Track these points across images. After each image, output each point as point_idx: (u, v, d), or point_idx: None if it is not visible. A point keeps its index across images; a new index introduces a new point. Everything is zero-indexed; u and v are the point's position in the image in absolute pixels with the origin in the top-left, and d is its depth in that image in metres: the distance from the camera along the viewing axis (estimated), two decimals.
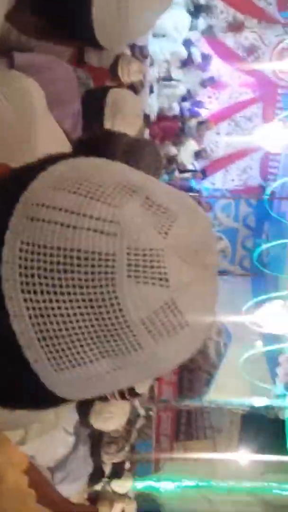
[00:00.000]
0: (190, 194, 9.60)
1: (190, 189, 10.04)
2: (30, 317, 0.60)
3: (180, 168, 9.95)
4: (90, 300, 0.60)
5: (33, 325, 0.60)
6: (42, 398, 0.66)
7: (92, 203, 0.61)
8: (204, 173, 10.56)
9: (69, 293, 0.60)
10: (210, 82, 10.44)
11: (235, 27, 10.62)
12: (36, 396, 0.66)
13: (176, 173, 9.87)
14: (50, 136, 1.53)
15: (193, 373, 9.34)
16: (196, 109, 10.16)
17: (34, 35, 1.29)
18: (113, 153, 1.75)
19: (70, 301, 0.60)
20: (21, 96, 1.43)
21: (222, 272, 10.56)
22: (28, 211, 0.61)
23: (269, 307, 8.83)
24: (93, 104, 2.48)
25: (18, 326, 0.61)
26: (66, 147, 1.68)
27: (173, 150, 9.46)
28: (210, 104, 10.71)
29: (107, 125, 2.53)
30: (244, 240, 11.14)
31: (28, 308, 0.60)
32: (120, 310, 0.60)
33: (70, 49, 2.33)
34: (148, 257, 0.60)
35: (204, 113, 10.43)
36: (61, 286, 0.60)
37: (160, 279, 0.60)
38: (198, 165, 10.52)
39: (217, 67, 10.58)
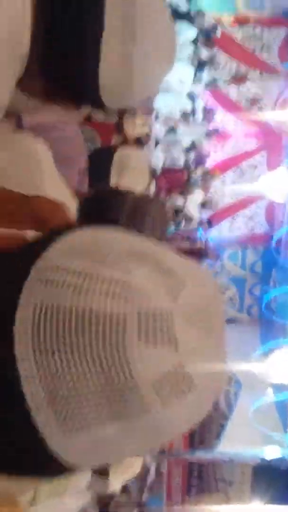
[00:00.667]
0: (197, 243, 9.65)
1: (197, 239, 10.07)
2: (40, 378, 0.61)
3: (186, 218, 10.01)
4: (101, 361, 0.60)
5: (43, 387, 0.61)
6: (48, 465, 0.66)
7: (103, 267, 0.62)
8: (210, 223, 10.60)
9: (79, 354, 0.60)
10: (215, 133, 10.60)
11: (238, 79, 10.83)
12: (42, 462, 0.65)
13: (183, 224, 9.91)
14: (57, 195, 1.57)
15: (204, 425, 9.20)
16: (201, 160, 10.26)
17: (41, 99, 1.33)
18: (120, 211, 1.78)
19: (81, 362, 0.60)
20: (29, 157, 1.47)
21: (230, 320, 10.50)
22: (41, 275, 0.63)
23: (278, 354, 8.75)
24: (100, 162, 2.52)
25: (28, 387, 0.61)
26: (73, 207, 1.71)
27: (179, 201, 9.54)
28: (215, 154, 10.84)
29: (113, 182, 2.57)
30: (252, 288, 11.10)
31: (39, 369, 0.61)
32: (130, 372, 0.60)
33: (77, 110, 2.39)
34: (158, 320, 0.61)
35: (209, 163, 10.54)
36: (72, 347, 0.60)
37: (170, 342, 0.61)
38: (204, 214, 10.58)
39: (221, 118, 10.75)
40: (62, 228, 0.70)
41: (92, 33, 1.13)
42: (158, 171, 8.32)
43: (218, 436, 9.48)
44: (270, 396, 9.56)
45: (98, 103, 1.24)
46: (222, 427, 9.54)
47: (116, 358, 0.60)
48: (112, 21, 1.13)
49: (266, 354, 8.95)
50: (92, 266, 0.63)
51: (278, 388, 9.29)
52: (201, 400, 0.65)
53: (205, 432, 9.33)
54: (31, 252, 0.66)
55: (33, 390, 0.61)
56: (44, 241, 0.67)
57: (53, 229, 0.71)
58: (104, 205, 1.81)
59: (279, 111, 10.51)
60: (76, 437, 0.62)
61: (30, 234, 0.77)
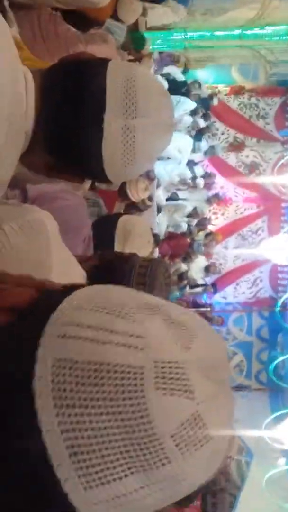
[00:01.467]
0: (202, 309, 9.62)
1: (202, 304, 10.05)
2: (61, 432, 0.60)
3: (191, 283, 10.02)
4: (120, 412, 0.60)
5: (64, 440, 0.60)
6: None
7: (117, 320, 0.64)
8: (215, 287, 10.61)
9: (99, 406, 0.60)
10: (216, 199, 10.74)
11: (236, 146, 11.06)
12: None
13: (187, 289, 9.92)
14: (64, 266, 1.56)
15: (217, 496, 8.95)
16: (203, 225, 10.36)
17: (45, 174, 1.35)
18: (128, 275, 1.78)
19: (101, 414, 0.60)
20: (36, 228, 1.47)
21: (239, 387, 10.35)
22: (57, 330, 0.64)
23: None
24: (104, 229, 2.54)
25: (50, 441, 0.60)
26: (80, 275, 1.70)
27: (183, 266, 9.58)
28: (217, 219, 10.95)
29: (118, 249, 2.58)
30: (259, 353, 11.00)
31: (60, 423, 0.60)
32: (149, 422, 0.60)
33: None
34: (174, 370, 0.62)
35: (211, 229, 10.64)
36: (91, 399, 0.60)
37: (186, 391, 0.61)
38: (208, 279, 10.60)
39: (221, 184, 10.92)
40: (75, 284, 0.71)
41: (94, 114, 1.18)
42: (161, 237, 8.39)
43: (231, 507, 9.19)
44: (282, 465, 9.32)
45: (102, 179, 1.28)
46: (235, 498, 9.27)
47: (135, 409, 0.60)
48: (112, 101, 1.18)
49: (277, 421, 8.77)
50: (107, 319, 0.64)
51: None
52: (217, 450, 0.65)
53: (218, 503, 9.05)
54: (45, 307, 0.67)
55: (54, 444, 0.61)
56: (58, 296, 0.68)
57: (66, 285, 0.72)
58: (112, 271, 1.81)
59: (278, 176, 10.67)
60: (97, 492, 0.61)
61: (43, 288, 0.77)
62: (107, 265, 1.85)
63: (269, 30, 8.15)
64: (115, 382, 0.61)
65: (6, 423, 0.63)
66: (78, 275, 1.69)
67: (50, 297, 0.71)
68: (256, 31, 8.15)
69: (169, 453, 0.61)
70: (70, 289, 0.70)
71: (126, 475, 0.61)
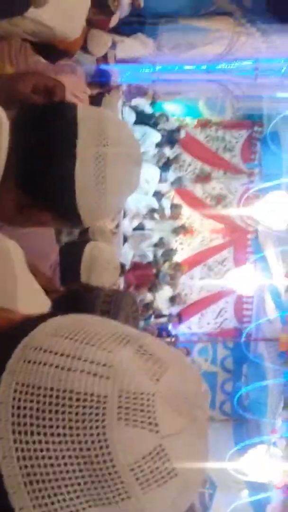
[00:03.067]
0: (167, 339, 9.61)
1: (167, 334, 10.04)
2: (18, 459, 0.59)
3: (156, 313, 10.02)
4: (80, 442, 0.59)
5: (20, 468, 0.59)
6: None
7: (87, 347, 0.63)
8: (180, 318, 10.62)
9: (59, 434, 0.59)
10: (182, 230, 10.81)
11: (203, 178, 11.18)
12: None
13: (152, 319, 9.91)
14: (30, 295, 1.56)
15: None
16: (169, 255, 10.41)
17: (15, 215, 1.34)
18: (94, 306, 1.79)
19: (60, 442, 0.59)
20: (1, 257, 1.47)
21: None
22: (25, 355, 0.63)
23: (252, 453, 8.57)
24: (71, 255, 2.55)
25: (6, 468, 0.59)
26: (46, 304, 1.70)
27: (148, 296, 9.59)
28: (183, 250, 11.01)
29: (84, 274, 2.59)
30: (223, 384, 11.00)
31: (17, 449, 0.59)
32: (109, 453, 0.58)
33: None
34: (138, 401, 0.60)
35: (177, 259, 10.69)
36: (51, 426, 0.59)
37: (150, 424, 0.60)
38: (173, 310, 10.62)
39: (188, 215, 11.00)
40: (48, 313, 0.71)
41: (67, 142, 1.20)
42: (127, 266, 8.40)
43: None
44: (245, 497, 9.27)
45: (74, 222, 1.31)
46: None
47: (95, 439, 0.58)
48: (85, 130, 1.21)
49: (240, 452, 8.75)
50: (76, 346, 0.62)
51: (253, 487, 9.03)
52: (183, 488, 0.62)
53: None
54: (19, 332, 0.67)
55: (10, 471, 0.59)
56: (34, 322, 0.68)
57: (39, 315, 0.71)
58: (77, 301, 1.82)
59: (244, 208, 10.81)
60: None
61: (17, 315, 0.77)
62: (73, 296, 1.86)
63: (236, 65, 8.33)
64: (76, 411, 0.59)
65: None
66: (43, 304, 1.69)
67: (26, 322, 0.70)
68: (224, 66, 8.33)
69: (128, 487, 0.59)
70: (47, 315, 0.70)
71: (83, 508, 0.60)
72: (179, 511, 0.65)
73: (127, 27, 7.47)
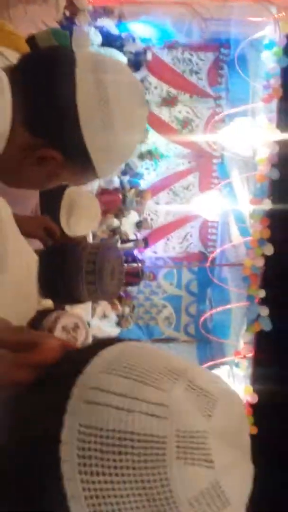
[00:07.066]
0: (134, 263, 9.72)
1: (133, 259, 10.14)
2: (86, 498, 0.62)
3: (122, 238, 10.08)
4: (142, 481, 0.62)
5: (88, 506, 0.62)
6: None
7: (142, 387, 0.65)
8: (146, 242, 10.71)
9: (123, 474, 0.62)
10: (148, 155, 10.74)
11: (169, 101, 11.02)
12: None
13: (119, 244, 9.97)
14: (19, 251, 1.61)
15: None
16: (135, 181, 10.38)
17: (24, 158, 1.33)
18: (81, 256, 1.83)
19: (124, 482, 0.62)
20: None
21: (167, 339, 10.59)
22: (84, 395, 0.65)
23: (216, 372, 8.85)
24: (51, 199, 2.56)
25: (74, 507, 0.62)
26: (33, 259, 1.75)
27: (115, 222, 9.61)
28: (149, 175, 10.98)
29: (63, 219, 2.61)
30: (188, 307, 11.23)
31: (84, 489, 0.62)
32: (170, 491, 0.62)
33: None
34: (195, 439, 0.64)
35: (143, 184, 10.67)
36: (115, 467, 0.62)
37: (206, 461, 0.64)
38: (140, 235, 10.68)
39: (154, 139, 10.90)
40: (95, 344, 0.73)
41: (67, 71, 1.20)
42: (94, 192, 8.37)
43: None
44: None
45: (87, 166, 1.29)
46: None
47: (157, 478, 0.62)
48: (82, 60, 1.22)
49: None
50: (132, 386, 0.65)
51: None
52: None
53: None
54: (72, 367, 0.69)
55: (79, 509, 0.63)
56: (85, 355, 0.70)
57: (88, 348, 0.73)
58: (64, 253, 1.85)
59: (210, 133, 10.74)
60: None
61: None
62: (58, 250, 1.89)
63: None
64: (138, 451, 0.62)
65: (32, 486, 0.64)
66: (31, 259, 1.74)
67: (77, 356, 0.72)
68: None
69: None
70: (97, 347, 0.71)
71: None
72: None
73: None
